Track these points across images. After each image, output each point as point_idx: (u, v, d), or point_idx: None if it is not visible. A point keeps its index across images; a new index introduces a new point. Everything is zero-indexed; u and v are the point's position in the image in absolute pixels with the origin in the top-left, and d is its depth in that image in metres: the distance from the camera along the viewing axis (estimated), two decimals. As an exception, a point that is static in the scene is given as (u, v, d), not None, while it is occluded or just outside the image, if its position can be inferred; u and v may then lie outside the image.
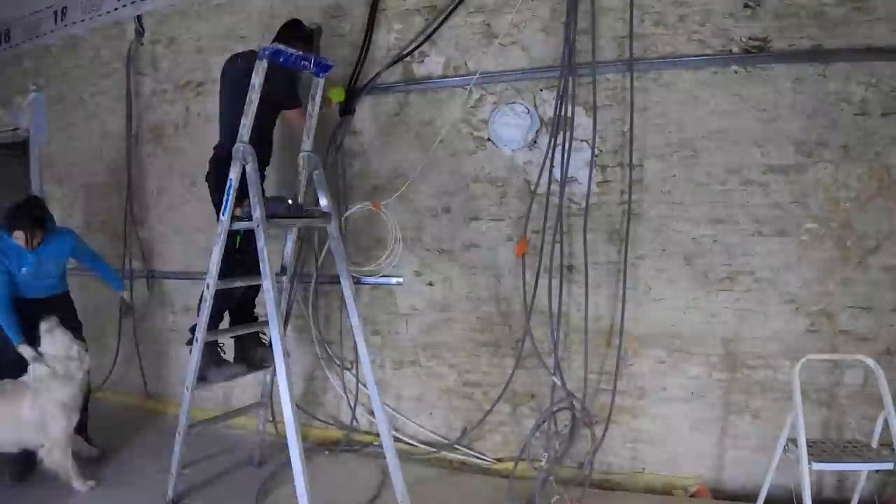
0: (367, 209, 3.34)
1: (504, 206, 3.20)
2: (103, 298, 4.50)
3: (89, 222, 4.59)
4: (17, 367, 2.95)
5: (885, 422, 2.28)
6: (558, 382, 2.92)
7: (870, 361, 2.32)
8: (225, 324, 3.27)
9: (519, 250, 3.04)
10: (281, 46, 2.58)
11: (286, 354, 2.46)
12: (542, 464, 2.90)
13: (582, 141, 3.00)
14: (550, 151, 2.98)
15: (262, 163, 2.98)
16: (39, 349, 2.92)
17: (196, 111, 4.05)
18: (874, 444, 2.35)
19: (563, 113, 2.95)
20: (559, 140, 2.97)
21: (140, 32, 4.20)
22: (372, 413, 3.06)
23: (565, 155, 2.96)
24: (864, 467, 2.32)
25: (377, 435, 3.21)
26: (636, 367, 2.99)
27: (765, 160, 2.75)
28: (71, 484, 2.96)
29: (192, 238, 4.10)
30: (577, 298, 3.04)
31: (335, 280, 3.19)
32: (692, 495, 2.86)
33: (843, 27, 2.61)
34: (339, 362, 3.59)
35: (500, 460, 3.25)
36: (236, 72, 2.93)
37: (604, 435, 2.94)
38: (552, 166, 3.00)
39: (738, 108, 2.77)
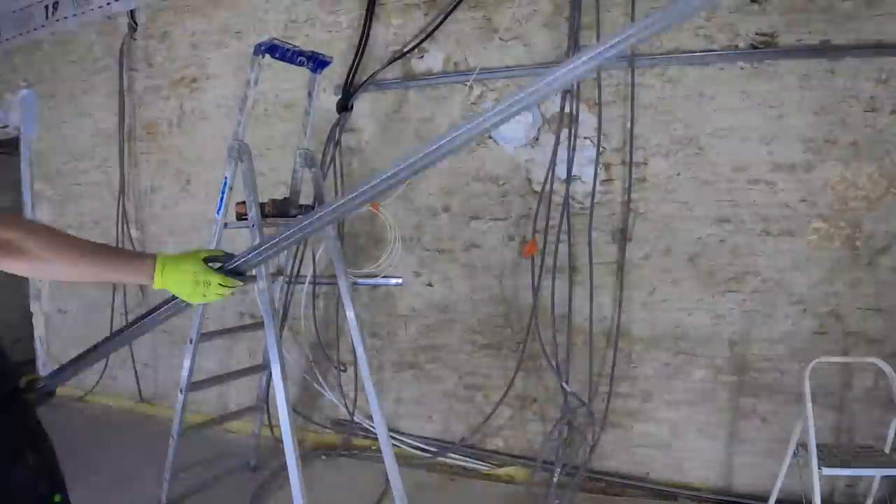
0: (365, 210, 3.28)
1: (505, 206, 3.14)
2: (95, 299, 4.44)
3: (81, 222, 4.51)
4: None
5: (898, 426, 2.24)
6: (568, 388, 2.86)
7: (882, 364, 2.27)
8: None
9: (528, 250, 2.97)
10: (277, 41, 2.51)
11: (282, 356, 2.40)
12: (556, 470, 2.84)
13: (585, 138, 2.94)
14: (553, 149, 2.93)
15: None
16: None
17: (190, 108, 3.97)
18: (886, 449, 2.30)
19: (566, 110, 2.90)
20: (562, 138, 2.92)
21: (133, 27, 4.11)
22: (370, 416, 2.99)
23: (569, 152, 2.90)
24: (876, 472, 2.26)
25: (376, 439, 3.14)
26: (640, 370, 2.93)
27: (772, 158, 2.69)
28: None
29: (186, 238, 4.03)
30: (580, 299, 2.98)
31: (332, 281, 3.13)
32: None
33: (852, 22, 2.55)
34: (336, 365, 3.52)
35: (501, 465, 3.18)
36: None
37: (596, 440, 2.89)
38: (555, 164, 2.95)
39: (745, 105, 2.71)
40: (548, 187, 2.96)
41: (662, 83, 2.82)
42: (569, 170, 2.91)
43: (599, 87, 2.85)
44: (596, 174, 2.89)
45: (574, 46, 2.86)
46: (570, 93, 2.89)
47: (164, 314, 1.67)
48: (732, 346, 2.78)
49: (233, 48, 3.77)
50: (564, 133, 2.94)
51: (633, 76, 2.79)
